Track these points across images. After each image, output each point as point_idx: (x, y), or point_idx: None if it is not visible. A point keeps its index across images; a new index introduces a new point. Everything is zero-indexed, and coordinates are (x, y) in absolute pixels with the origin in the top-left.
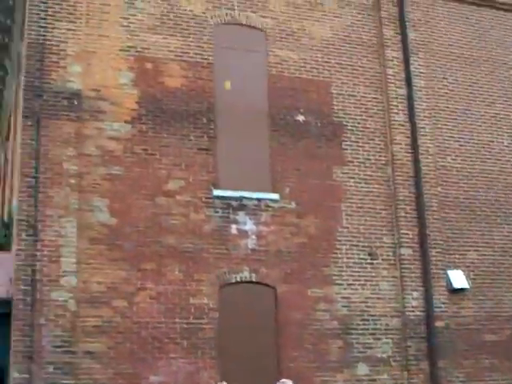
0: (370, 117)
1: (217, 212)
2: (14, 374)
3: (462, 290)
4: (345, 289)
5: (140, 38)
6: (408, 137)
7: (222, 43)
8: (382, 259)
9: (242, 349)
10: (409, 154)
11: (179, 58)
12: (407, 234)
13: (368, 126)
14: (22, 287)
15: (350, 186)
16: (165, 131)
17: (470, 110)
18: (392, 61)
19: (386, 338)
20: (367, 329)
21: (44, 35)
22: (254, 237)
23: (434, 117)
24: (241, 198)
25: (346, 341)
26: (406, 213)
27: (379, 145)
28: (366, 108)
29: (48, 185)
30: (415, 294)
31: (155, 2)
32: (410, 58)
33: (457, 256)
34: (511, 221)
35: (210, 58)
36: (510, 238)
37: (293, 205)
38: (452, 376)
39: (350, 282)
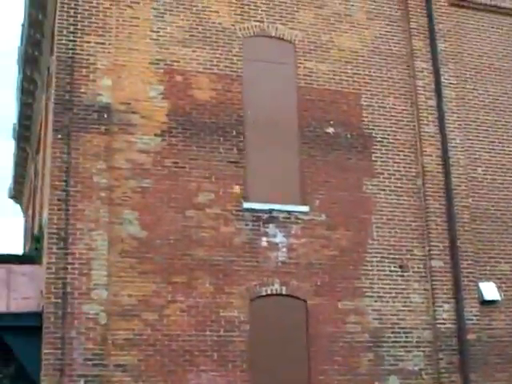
0: (400, 128)
1: (247, 225)
2: None
3: (493, 301)
4: (376, 301)
5: (169, 50)
6: (438, 148)
7: (250, 55)
8: (413, 271)
9: (273, 362)
10: (439, 166)
11: (208, 70)
12: (438, 245)
13: (398, 137)
14: (53, 300)
15: (380, 198)
16: (194, 144)
17: (500, 121)
18: (422, 72)
19: (418, 351)
20: (398, 341)
21: (73, 49)
22: (284, 249)
23: (465, 128)
24: (270, 211)
25: (376, 353)
26: (437, 225)
27: (409, 156)
28: (395, 119)
29: (78, 198)
30: (446, 306)
31: (184, 15)
32: (440, 69)
33: (488, 268)
34: None
35: (239, 70)
36: None
37: (323, 217)
38: None
39: (381, 295)
